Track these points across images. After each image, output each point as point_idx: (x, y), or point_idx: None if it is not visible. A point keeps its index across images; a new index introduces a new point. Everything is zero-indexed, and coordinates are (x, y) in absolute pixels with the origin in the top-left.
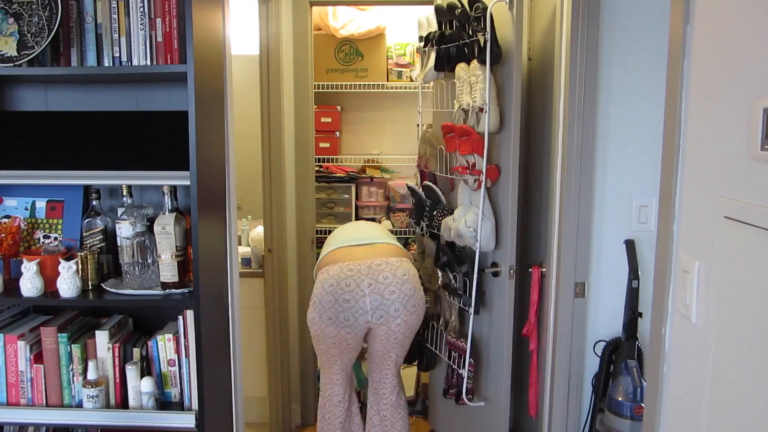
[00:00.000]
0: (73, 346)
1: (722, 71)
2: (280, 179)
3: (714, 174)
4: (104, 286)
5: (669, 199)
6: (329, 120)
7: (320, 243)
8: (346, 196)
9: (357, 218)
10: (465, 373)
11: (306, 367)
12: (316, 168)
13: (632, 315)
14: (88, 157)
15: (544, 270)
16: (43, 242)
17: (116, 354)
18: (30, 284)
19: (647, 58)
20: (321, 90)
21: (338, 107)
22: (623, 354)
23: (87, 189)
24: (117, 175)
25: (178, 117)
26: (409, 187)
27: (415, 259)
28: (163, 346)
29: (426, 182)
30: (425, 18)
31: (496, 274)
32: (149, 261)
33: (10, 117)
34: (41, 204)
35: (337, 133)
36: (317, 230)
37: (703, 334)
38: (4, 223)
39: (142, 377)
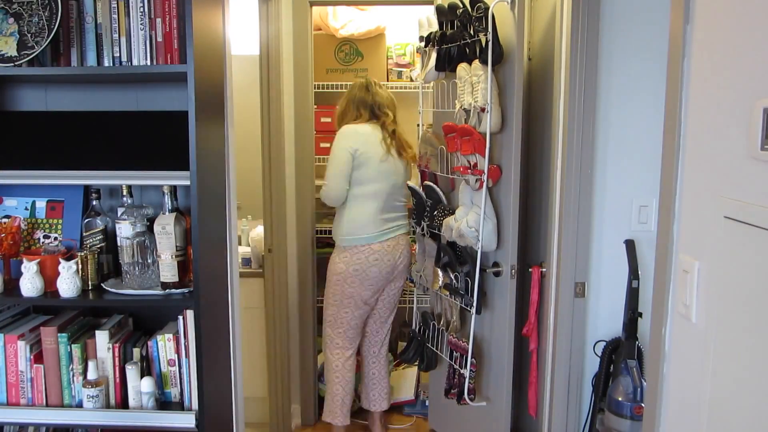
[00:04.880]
0: (73, 346)
1: (722, 71)
2: (280, 179)
3: (714, 174)
4: (104, 286)
5: (669, 199)
6: (329, 120)
7: (320, 243)
8: None
9: None
10: (467, 372)
11: (306, 367)
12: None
13: (632, 315)
14: (88, 157)
15: (544, 270)
16: (43, 242)
17: (116, 354)
18: (30, 284)
19: (647, 58)
20: (321, 90)
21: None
22: (623, 354)
23: (87, 189)
24: (117, 175)
25: (178, 117)
26: (409, 187)
27: (416, 260)
28: (163, 346)
29: (427, 182)
30: (426, 18)
31: (497, 274)
32: (149, 261)
33: (10, 117)
34: (41, 204)
35: None
36: (317, 230)
37: (703, 334)
38: (4, 223)
39: (142, 377)
